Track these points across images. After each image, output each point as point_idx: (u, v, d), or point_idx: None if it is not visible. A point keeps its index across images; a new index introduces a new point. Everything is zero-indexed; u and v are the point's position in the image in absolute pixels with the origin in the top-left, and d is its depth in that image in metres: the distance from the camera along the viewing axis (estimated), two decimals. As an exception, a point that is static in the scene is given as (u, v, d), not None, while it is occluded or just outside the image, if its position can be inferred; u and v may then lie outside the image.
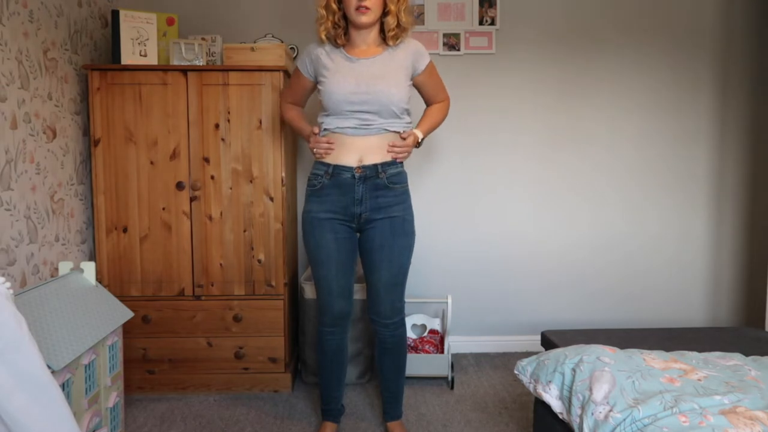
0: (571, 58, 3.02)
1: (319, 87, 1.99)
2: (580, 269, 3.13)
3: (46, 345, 1.58)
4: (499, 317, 3.13)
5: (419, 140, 2.01)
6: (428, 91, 2.09)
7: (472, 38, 2.98)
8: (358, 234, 2.02)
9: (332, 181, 1.94)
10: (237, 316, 2.53)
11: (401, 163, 2.00)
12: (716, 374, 1.56)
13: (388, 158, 1.96)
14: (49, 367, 1.47)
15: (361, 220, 1.95)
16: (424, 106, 2.17)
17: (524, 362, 1.85)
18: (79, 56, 2.51)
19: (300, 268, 3.04)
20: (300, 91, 2.12)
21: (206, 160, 2.49)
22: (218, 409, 2.42)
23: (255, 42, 2.83)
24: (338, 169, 1.94)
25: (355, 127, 1.92)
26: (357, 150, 1.93)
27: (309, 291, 2.61)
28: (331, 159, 1.95)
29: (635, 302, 3.15)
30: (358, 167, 1.92)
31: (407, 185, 2.02)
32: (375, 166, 1.93)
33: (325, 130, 1.97)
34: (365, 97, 1.89)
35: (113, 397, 1.96)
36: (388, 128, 1.94)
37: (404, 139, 1.96)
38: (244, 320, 2.54)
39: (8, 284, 1.23)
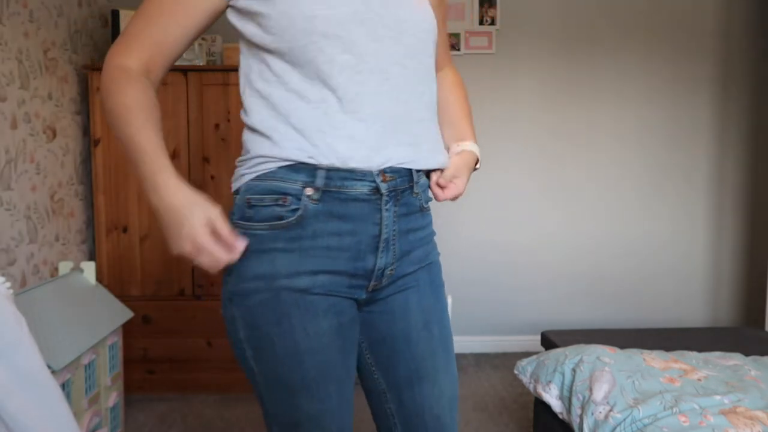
0: (572, 58, 3.02)
1: (255, 8, 0.85)
2: (580, 269, 3.12)
3: (46, 345, 1.58)
4: (499, 317, 3.13)
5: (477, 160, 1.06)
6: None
7: (472, 38, 2.97)
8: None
9: (326, 204, 0.87)
10: (237, 316, 2.53)
11: None
12: (716, 374, 1.56)
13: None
14: (49, 367, 1.47)
15: (383, 281, 0.94)
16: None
17: (524, 362, 1.85)
18: (79, 56, 2.51)
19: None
20: (182, 19, 0.87)
21: (206, 160, 2.48)
22: (218, 409, 2.42)
23: (255, 42, 2.83)
24: (339, 176, 0.86)
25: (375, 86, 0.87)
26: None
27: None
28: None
29: (635, 302, 3.15)
30: (383, 172, 0.88)
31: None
32: (408, 170, 0.92)
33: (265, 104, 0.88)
34: (382, 31, 0.87)
35: (113, 397, 1.96)
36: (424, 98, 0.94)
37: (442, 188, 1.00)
38: (244, 320, 2.53)
39: (8, 284, 1.23)
